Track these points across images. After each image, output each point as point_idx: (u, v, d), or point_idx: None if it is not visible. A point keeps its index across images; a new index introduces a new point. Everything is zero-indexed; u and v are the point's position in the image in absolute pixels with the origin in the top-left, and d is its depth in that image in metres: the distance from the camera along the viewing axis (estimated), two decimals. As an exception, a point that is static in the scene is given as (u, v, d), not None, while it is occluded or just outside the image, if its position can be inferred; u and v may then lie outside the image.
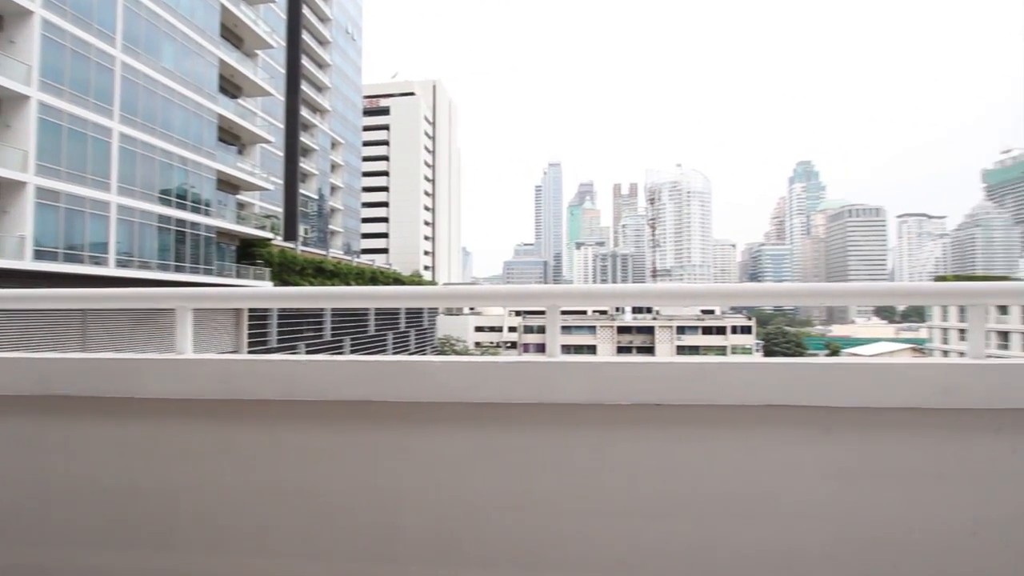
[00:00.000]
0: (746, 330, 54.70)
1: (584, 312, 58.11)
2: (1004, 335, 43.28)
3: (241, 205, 33.51)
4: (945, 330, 50.94)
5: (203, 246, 25.65)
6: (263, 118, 36.52)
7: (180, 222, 24.41)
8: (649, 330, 55.67)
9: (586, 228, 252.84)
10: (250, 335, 28.25)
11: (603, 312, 58.01)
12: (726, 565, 1.63)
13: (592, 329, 56.97)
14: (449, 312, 62.93)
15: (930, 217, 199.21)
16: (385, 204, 77.23)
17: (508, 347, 61.04)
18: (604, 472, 1.65)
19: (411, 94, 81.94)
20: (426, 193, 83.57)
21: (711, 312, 55.74)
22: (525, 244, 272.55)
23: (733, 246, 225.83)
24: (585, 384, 1.63)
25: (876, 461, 1.62)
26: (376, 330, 43.46)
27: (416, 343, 50.90)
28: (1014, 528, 1.60)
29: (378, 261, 54.37)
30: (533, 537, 1.66)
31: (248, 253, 30.64)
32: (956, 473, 1.62)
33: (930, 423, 1.61)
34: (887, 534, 1.61)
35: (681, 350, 53.53)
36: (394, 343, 46.51)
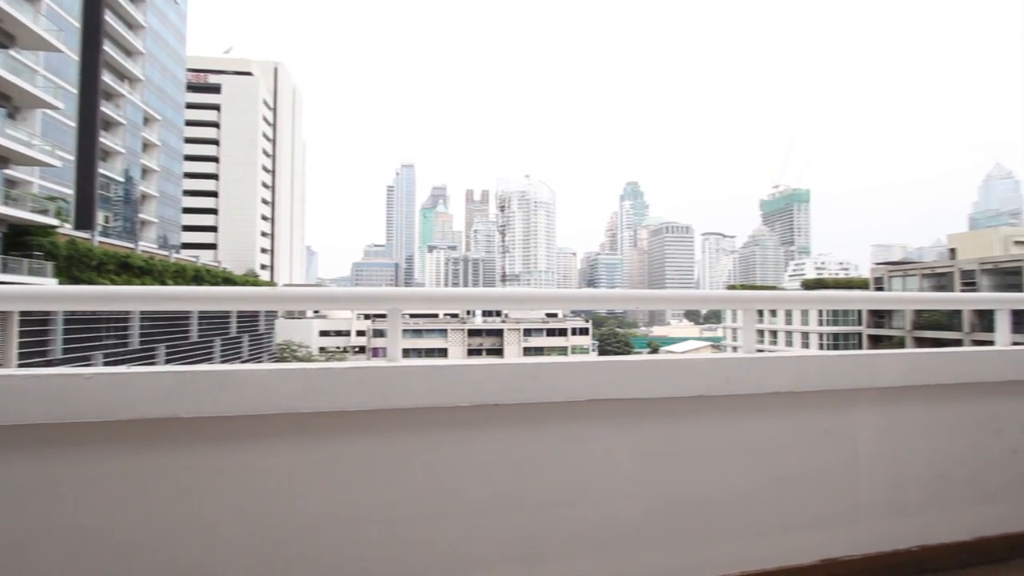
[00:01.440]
0: (584, 332, 59.63)
1: (436, 315, 58.01)
2: (773, 333, 53.90)
3: (11, 182, 26.91)
4: (735, 330, 61.67)
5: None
6: (48, 78, 29.83)
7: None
8: (498, 333, 57.60)
9: (439, 231, 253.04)
10: (25, 344, 22.74)
11: (454, 315, 58.56)
12: (558, 551, 1.76)
13: (444, 332, 57.13)
14: (290, 315, 57.88)
15: (725, 236, 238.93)
16: (214, 194, 68.34)
17: (356, 352, 58.24)
18: (444, 474, 1.67)
19: (248, 74, 73.80)
20: (264, 185, 75.81)
21: (554, 315, 59.72)
22: (376, 245, 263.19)
23: (574, 254, 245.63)
24: (424, 387, 1.63)
25: (677, 442, 1.90)
26: (200, 336, 38.08)
27: (250, 350, 45.78)
28: (781, 487, 2.00)
29: (204, 257, 47.81)
30: (370, 549, 1.61)
31: (19, 243, 24.65)
32: (736, 446, 1.97)
33: (716, 407, 1.94)
34: (688, 501, 1.90)
35: (528, 351, 56.36)
36: (223, 351, 41.23)
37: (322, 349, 57.65)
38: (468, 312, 58.43)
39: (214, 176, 68.35)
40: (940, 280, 41.80)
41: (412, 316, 55.92)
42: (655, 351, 66.37)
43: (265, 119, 76.21)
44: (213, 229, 68.29)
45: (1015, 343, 2.51)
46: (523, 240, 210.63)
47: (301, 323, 58.84)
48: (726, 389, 1.92)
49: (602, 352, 66.95)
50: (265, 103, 76.53)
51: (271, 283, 66.71)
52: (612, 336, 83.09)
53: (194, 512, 1.51)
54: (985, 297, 2.63)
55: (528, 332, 57.76)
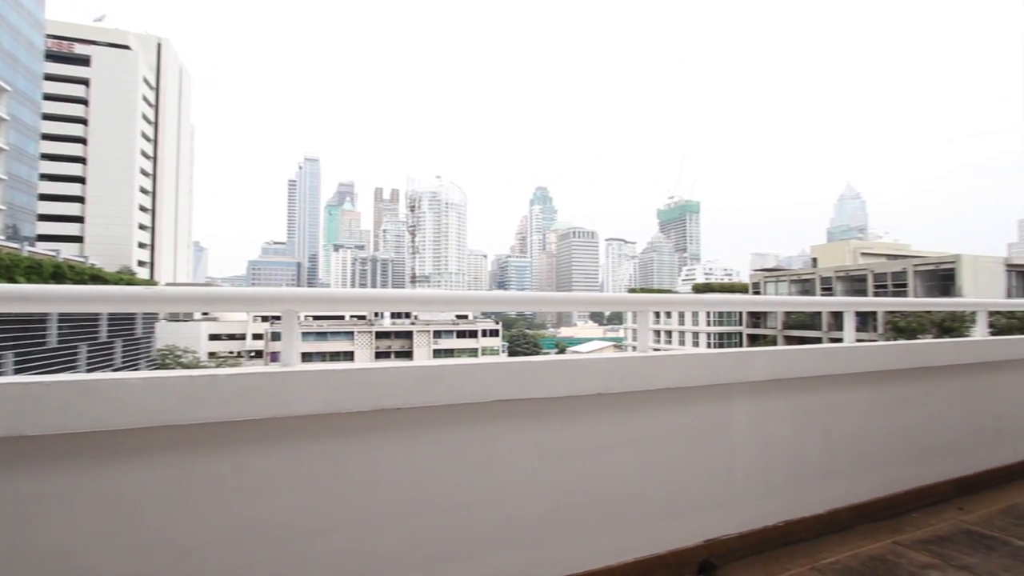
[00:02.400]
0: (494, 333, 60.20)
1: (341, 317, 55.53)
2: (668, 333, 57.99)
3: None
4: (634, 330, 65.58)
5: None
6: None
7: None
8: (408, 335, 56.42)
9: (345, 230, 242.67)
10: None
11: (361, 317, 56.44)
12: (461, 553, 1.76)
13: (350, 335, 54.86)
14: (174, 318, 52.42)
15: (627, 242, 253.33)
16: (81, 179, 60.14)
17: (252, 357, 54.06)
18: (345, 483, 1.60)
19: (125, 47, 65.83)
20: (144, 172, 68.00)
21: (465, 317, 59.65)
22: (276, 243, 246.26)
23: (485, 256, 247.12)
24: (323, 393, 1.55)
25: (576, 439, 1.98)
26: (61, 341, 33.18)
27: (124, 357, 40.72)
28: (670, 476, 2.16)
29: (67, 251, 41.85)
30: (261, 568, 1.50)
31: None
32: (630, 440, 2.09)
33: (612, 404, 2.05)
34: (586, 495, 1.99)
35: (438, 353, 55.78)
36: (90, 358, 36.26)
37: (212, 354, 52.73)
38: (376, 314, 56.56)
39: (81, 160, 60.18)
40: (804, 285, 47.60)
41: (316, 318, 53.05)
42: (562, 351, 68.62)
43: (145, 99, 68.42)
44: (79, 219, 60.09)
45: (858, 340, 2.92)
46: (434, 241, 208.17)
47: (187, 326, 53.45)
48: (622, 387, 2.04)
49: (512, 353, 67.96)
50: (146, 81, 68.73)
51: (150, 281, 59.88)
52: (522, 337, 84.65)
53: (42, 542, 1.32)
54: (836, 300, 3.04)
55: (438, 334, 57.16)
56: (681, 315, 55.36)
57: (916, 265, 40.89)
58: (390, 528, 1.66)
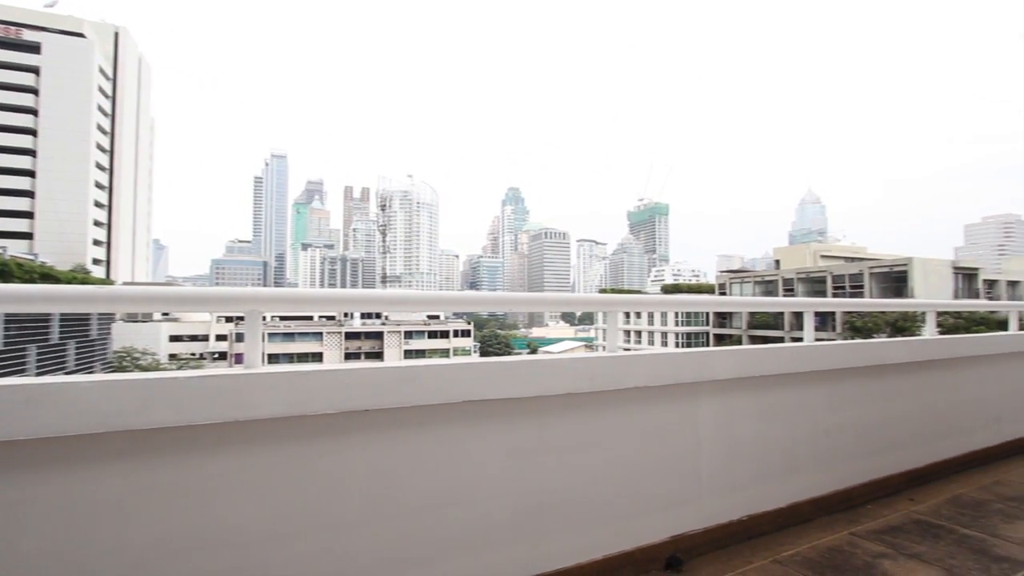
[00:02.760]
0: (466, 334, 59.94)
1: (310, 318, 54.37)
2: (638, 333, 58.91)
3: None
4: (604, 330, 66.35)
5: None
6: None
7: None
8: (378, 335, 55.66)
9: (314, 229, 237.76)
10: None
11: (331, 318, 55.40)
12: (430, 555, 1.74)
13: (319, 336, 53.77)
14: (132, 318, 50.34)
15: (598, 243, 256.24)
16: (30, 173, 57.15)
17: (216, 359, 52.38)
18: (310, 487, 1.57)
19: (79, 35, 62.92)
20: (100, 167, 65.07)
21: (436, 317, 59.23)
22: (241, 241, 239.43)
23: (457, 256, 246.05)
24: (288, 395, 1.52)
25: (546, 439, 1.99)
26: (8, 343, 31.43)
27: (78, 360, 38.86)
28: (638, 474, 2.19)
29: (14, 248, 39.70)
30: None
31: None
32: (599, 439, 2.12)
33: (582, 404, 2.07)
34: (555, 494, 2.00)
35: (409, 354, 55.22)
36: (40, 361, 34.47)
37: (173, 356, 50.87)
38: (346, 314, 55.63)
39: (30, 152, 57.21)
40: (768, 286, 49.12)
41: (283, 319, 51.78)
42: (534, 351, 68.93)
43: (101, 90, 65.51)
44: (28, 215, 57.10)
45: (818, 339, 3.02)
46: (405, 241, 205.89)
47: (147, 327, 51.38)
48: (591, 386, 2.06)
49: (484, 353, 67.86)
50: (102, 71, 65.82)
51: (106, 281, 57.36)
52: (493, 338, 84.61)
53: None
54: (796, 301, 3.14)
55: (409, 335, 56.58)
56: (650, 315, 56.31)
57: (872, 267, 42.69)
58: (358, 531, 1.63)
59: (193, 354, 53.12)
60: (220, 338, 53.57)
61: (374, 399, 1.63)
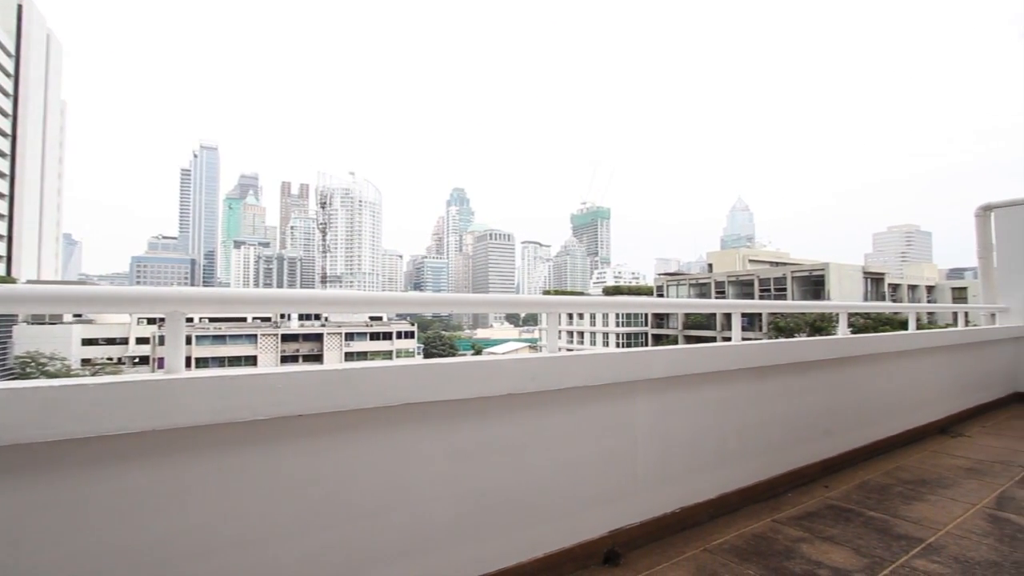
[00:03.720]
0: (410, 335, 58.95)
1: (243, 319, 51.61)
2: (580, 334, 60.20)
3: None
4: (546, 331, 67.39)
5: None
6: None
7: None
8: (318, 337, 53.66)
9: (248, 225, 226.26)
10: None
11: (266, 319, 52.86)
12: (370, 561, 1.70)
13: (253, 338, 51.13)
14: (38, 320, 45.88)
15: (542, 245, 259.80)
16: (-90, 157, 50.83)
17: (137, 363, 48.62)
18: (239, 497, 1.49)
19: (-26, 7, 56.70)
20: (0, 153, 58.91)
21: (379, 319, 57.88)
22: (165, 237, 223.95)
23: (400, 257, 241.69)
24: (214, 401, 1.43)
25: (487, 439, 1.99)
26: None
27: (-31, 365, 34.94)
28: (577, 472, 2.23)
29: None
30: None
31: None
32: (540, 439, 2.14)
33: (523, 404, 2.08)
34: (496, 494, 2.00)
35: (350, 356, 53.59)
36: (-79, 367, 30.73)
37: (86, 361, 46.77)
38: (282, 316, 53.23)
39: (-88, 134, 50.90)
40: (702, 288, 51.68)
41: (213, 320, 48.83)
42: (479, 353, 68.81)
43: (2, 68, 59.34)
44: (-92, 204, 50.78)
45: (745, 338, 3.21)
46: (346, 240, 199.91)
47: (56, 329, 46.96)
48: (532, 386, 2.08)
49: (428, 355, 67.04)
50: (3, 48, 59.61)
51: (7, 278, 51.88)
52: (438, 339, 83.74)
53: None
54: (726, 303, 3.32)
55: (350, 336, 54.93)
56: (593, 316, 57.70)
57: (794, 271, 45.87)
58: (292, 542, 1.56)
59: (110, 359, 49.05)
60: (142, 341, 49.78)
61: (308, 403, 1.56)
